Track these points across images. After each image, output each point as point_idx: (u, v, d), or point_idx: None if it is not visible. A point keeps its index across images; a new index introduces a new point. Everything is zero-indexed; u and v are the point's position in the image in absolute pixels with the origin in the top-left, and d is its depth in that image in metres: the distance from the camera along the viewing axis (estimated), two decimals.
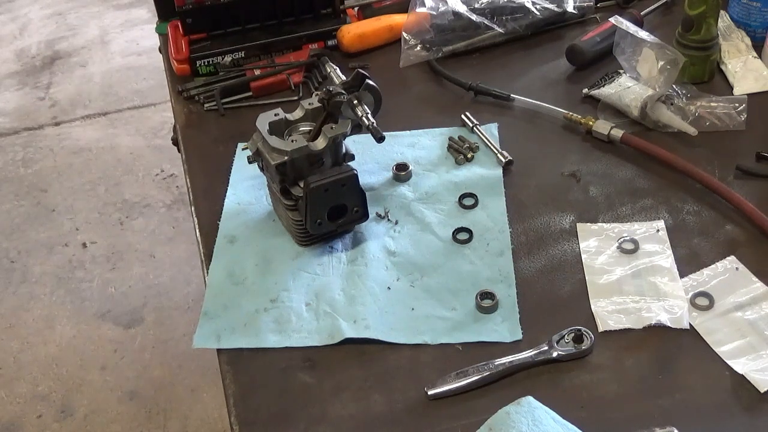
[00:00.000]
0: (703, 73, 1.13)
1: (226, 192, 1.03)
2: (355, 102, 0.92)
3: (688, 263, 0.89)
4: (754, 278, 0.86)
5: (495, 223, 0.95)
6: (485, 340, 0.83)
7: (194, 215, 1.02)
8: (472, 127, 1.08)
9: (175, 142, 1.20)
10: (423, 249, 0.93)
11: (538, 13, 1.24)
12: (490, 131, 1.07)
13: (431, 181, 1.02)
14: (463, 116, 1.09)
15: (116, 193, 2.45)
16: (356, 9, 1.31)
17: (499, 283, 0.88)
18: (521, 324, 0.84)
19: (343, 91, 0.91)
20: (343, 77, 0.99)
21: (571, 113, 1.08)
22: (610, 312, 0.84)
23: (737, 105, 1.06)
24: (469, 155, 1.04)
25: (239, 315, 0.88)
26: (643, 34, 1.09)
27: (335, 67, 1.04)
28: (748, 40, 1.19)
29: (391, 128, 1.02)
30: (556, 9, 1.25)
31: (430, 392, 0.78)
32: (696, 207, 0.96)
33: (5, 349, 2.00)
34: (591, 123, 1.06)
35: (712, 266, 0.88)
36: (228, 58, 1.22)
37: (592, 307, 0.85)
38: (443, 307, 0.87)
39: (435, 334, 0.84)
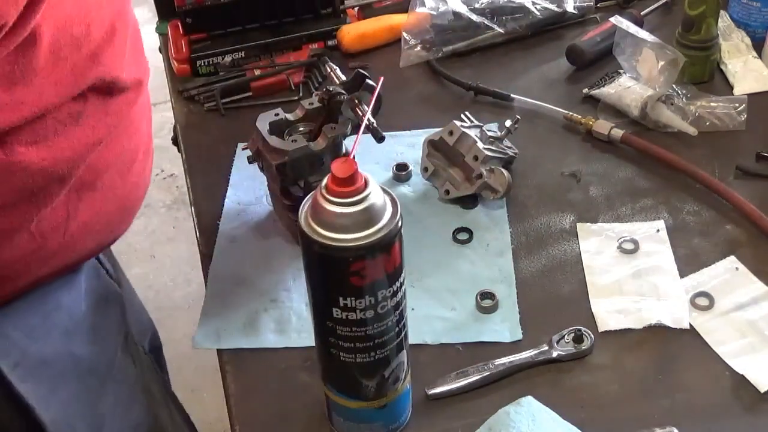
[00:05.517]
0: (703, 73, 1.13)
1: (226, 192, 1.03)
2: (356, 102, 0.92)
3: (688, 263, 0.89)
4: (754, 278, 0.86)
5: (495, 223, 0.95)
6: (485, 340, 0.83)
7: (194, 215, 1.02)
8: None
9: (175, 142, 1.20)
10: (423, 249, 0.93)
11: (538, 13, 1.24)
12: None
13: None
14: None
15: None
16: (356, 9, 1.31)
17: (499, 283, 0.88)
18: (521, 324, 0.84)
19: (343, 91, 0.92)
20: (343, 77, 0.99)
21: (571, 113, 1.08)
22: (610, 312, 0.84)
23: (737, 105, 1.06)
24: None
25: (239, 315, 0.88)
26: (643, 34, 1.09)
27: (335, 67, 1.04)
28: (748, 40, 1.19)
29: (391, 128, 1.02)
30: (556, 9, 1.25)
31: (430, 392, 0.78)
32: (696, 207, 0.96)
33: None
34: (591, 123, 1.06)
35: (712, 266, 0.88)
36: (228, 58, 1.22)
37: (592, 307, 0.85)
38: (443, 307, 0.87)
39: (435, 334, 0.84)
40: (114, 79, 0.74)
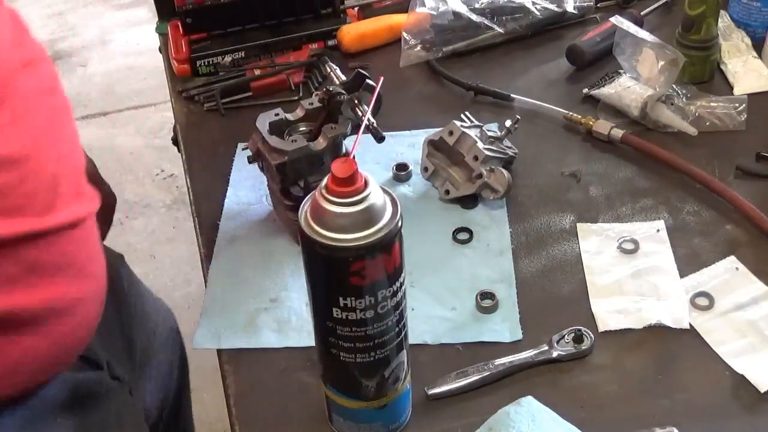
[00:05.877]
0: (703, 73, 1.13)
1: (226, 192, 1.03)
2: (356, 102, 0.92)
3: (688, 263, 0.89)
4: (754, 278, 0.86)
5: (495, 223, 0.95)
6: (485, 340, 0.83)
7: (194, 215, 1.02)
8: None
9: (175, 142, 1.20)
10: (423, 249, 0.93)
11: (538, 13, 1.24)
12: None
13: None
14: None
15: (116, 193, 2.43)
16: (356, 9, 1.31)
17: (499, 283, 0.88)
18: (521, 324, 0.84)
19: (343, 91, 0.92)
20: (343, 77, 0.99)
21: (571, 113, 1.08)
22: (610, 312, 0.84)
23: (737, 105, 1.06)
24: None
25: (239, 315, 0.88)
26: (643, 34, 1.09)
27: (335, 67, 1.04)
28: (748, 40, 1.19)
29: (391, 128, 1.02)
30: (556, 9, 1.25)
31: (430, 392, 0.78)
32: (696, 207, 0.96)
33: None
34: (591, 123, 1.06)
35: (712, 266, 0.88)
36: (228, 58, 1.22)
37: (592, 307, 0.85)
38: (443, 307, 0.87)
39: (435, 334, 0.84)
40: (45, 221, 0.70)
